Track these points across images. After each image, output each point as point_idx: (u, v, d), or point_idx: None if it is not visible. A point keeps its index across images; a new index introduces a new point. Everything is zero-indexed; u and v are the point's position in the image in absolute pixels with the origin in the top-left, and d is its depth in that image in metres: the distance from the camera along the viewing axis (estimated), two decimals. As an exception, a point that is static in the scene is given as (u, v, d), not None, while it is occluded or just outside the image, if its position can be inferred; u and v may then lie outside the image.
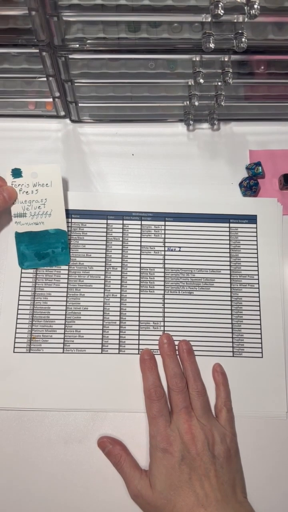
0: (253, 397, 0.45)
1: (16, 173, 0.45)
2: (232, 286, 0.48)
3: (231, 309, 0.47)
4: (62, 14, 0.38)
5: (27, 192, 0.45)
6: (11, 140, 0.52)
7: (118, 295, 0.47)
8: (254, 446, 0.44)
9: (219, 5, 0.34)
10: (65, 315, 0.47)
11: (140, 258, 0.48)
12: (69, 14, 0.38)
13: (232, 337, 0.46)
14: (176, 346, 0.46)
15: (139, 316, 0.47)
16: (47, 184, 0.45)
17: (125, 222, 0.49)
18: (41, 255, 0.45)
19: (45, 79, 0.46)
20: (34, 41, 0.40)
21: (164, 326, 0.47)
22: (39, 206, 0.45)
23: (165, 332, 0.46)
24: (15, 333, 0.46)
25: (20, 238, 0.45)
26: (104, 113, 0.53)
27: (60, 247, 0.46)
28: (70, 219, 0.49)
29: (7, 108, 0.52)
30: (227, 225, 0.50)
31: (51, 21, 0.38)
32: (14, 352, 0.45)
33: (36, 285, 0.47)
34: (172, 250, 0.49)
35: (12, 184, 0.45)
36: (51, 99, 0.49)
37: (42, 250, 0.45)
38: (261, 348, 0.46)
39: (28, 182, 0.45)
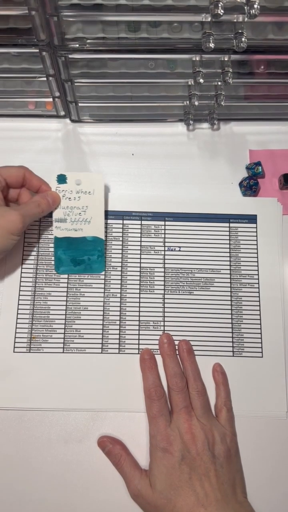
0: (253, 397, 0.45)
1: (61, 179, 0.45)
2: (232, 286, 0.48)
3: (231, 309, 0.47)
4: (62, 14, 0.38)
5: (69, 198, 0.46)
6: (11, 140, 0.52)
7: (118, 295, 0.47)
8: (254, 446, 0.44)
9: (219, 5, 0.34)
10: (65, 315, 0.47)
11: (140, 258, 0.48)
12: (69, 14, 0.38)
13: (232, 337, 0.46)
14: (176, 346, 0.46)
15: (139, 316, 0.47)
16: (89, 192, 0.46)
17: (125, 222, 0.49)
18: (77, 262, 0.45)
19: (45, 79, 0.46)
20: (34, 41, 0.40)
21: (164, 326, 0.47)
22: (80, 213, 0.46)
23: (165, 331, 0.46)
24: (15, 333, 0.46)
25: (59, 243, 0.46)
26: (104, 113, 0.53)
27: (96, 254, 0.46)
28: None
29: (7, 108, 0.52)
30: (227, 225, 0.50)
31: (51, 21, 0.38)
32: (14, 352, 0.45)
33: (36, 285, 0.47)
34: (172, 250, 0.49)
35: (56, 190, 0.46)
36: (51, 99, 0.49)
37: (79, 256, 0.46)
38: (261, 348, 0.46)
39: (72, 189, 0.46)
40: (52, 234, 0.47)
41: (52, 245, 0.48)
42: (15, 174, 0.44)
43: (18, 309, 0.46)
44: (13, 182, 0.44)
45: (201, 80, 0.44)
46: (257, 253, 0.49)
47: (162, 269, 0.48)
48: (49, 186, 0.46)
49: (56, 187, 0.46)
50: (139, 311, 0.47)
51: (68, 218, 0.46)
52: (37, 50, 0.41)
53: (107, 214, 0.49)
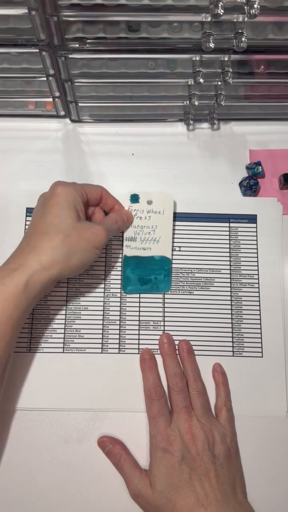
0: (253, 397, 0.45)
1: (134, 198, 0.47)
2: (232, 285, 0.48)
3: (231, 309, 0.47)
4: (62, 14, 0.38)
5: (140, 217, 0.47)
6: (11, 140, 0.52)
7: (118, 295, 0.47)
8: (254, 446, 0.44)
9: (219, 5, 0.34)
10: (65, 314, 0.47)
11: (140, 258, 0.48)
12: (69, 14, 0.38)
13: (232, 337, 0.46)
14: (176, 346, 0.46)
15: (139, 316, 0.47)
16: (159, 212, 0.47)
17: (125, 222, 0.49)
18: (144, 281, 0.46)
19: (45, 78, 0.46)
20: (34, 40, 0.40)
21: (164, 326, 0.47)
22: (149, 232, 0.47)
23: (165, 331, 0.46)
24: (15, 333, 0.46)
25: (128, 261, 0.47)
26: (104, 113, 0.53)
27: (163, 274, 0.46)
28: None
29: (7, 108, 0.52)
30: (227, 224, 0.49)
31: (51, 21, 0.38)
32: (14, 352, 0.45)
33: (36, 285, 0.47)
34: (172, 250, 0.48)
35: (129, 209, 0.47)
36: (51, 99, 0.49)
37: (146, 275, 0.46)
38: (261, 348, 0.46)
39: (143, 208, 0.47)
40: None
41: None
42: (94, 192, 0.44)
43: (18, 309, 0.46)
44: (92, 199, 0.44)
45: (201, 80, 0.44)
46: (257, 253, 0.49)
47: (162, 269, 0.48)
48: (122, 205, 0.47)
49: (129, 206, 0.47)
50: (139, 311, 0.47)
51: (138, 237, 0.47)
52: (37, 50, 0.41)
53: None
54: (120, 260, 0.48)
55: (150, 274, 0.46)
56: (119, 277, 0.48)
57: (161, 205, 0.47)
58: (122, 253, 0.48)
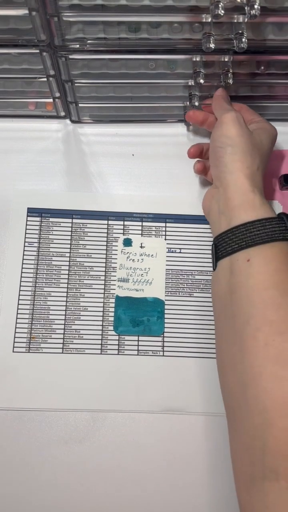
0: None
1: (127, 242, 0.48)
2: (232, 286, 0.48)
3: (231, 310, 0.47)
4: (62, 15, 0.38)
5: (133, 260, 0.48)
6: (11, 141, 0.52)
7: (118, 295, 0.47)
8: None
9: (220, 5, 0.34)
10: (65, 315, 0.47)
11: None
12: (69, 14, 0.38)
13: (232, 338, 0.46)
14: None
15: (139, 316, 0.47)
16: (152, 255, 0.48)
17: (125, 223, 0.49)
18: (136, 322, 0.46)
19: (45, 79, 0.46)
20: (34, 41, 0.40)
21: (164, 327, 0.46)
22: (142, 274, 0.47)
23: (165, 333, 0.46)
24: (15, 332, 0.46)
25: (119, 302, 0.47)
26: (104, 114, 0.53)
27: (156, 316, 0.46)
28: (71, 220, 0.49)
29: (7, 108, 0.52)
30: (227, 225, 0.49)
31: (51, 22, 0.38)
32: (13, 352, 0.45)
33: (36, 285, 0.47)
34: (172, 252, 0.49)
35: (122, 252, 0.48)
36: (51, 100, 0.49)
37: (138, 317, 0.46)
38: (261, 348, 0.46)
39: (136, 251, 0.48)
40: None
41: (53, 245, 0.48)
42: None
43: (18, 308, 0.46)
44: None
45: (202, 81, 0.44)
46: (257, 253, 0.49)
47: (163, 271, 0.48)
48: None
49: (122, 249, 0.48)
50: (139, 312, 0.47)
51: (130, 278, 0.47)
52: (38, 51, 0.41)
53: (108, 215, 0.49)
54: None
55: (142, 316, 0.46)
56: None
57: (154, 249, 0.48)
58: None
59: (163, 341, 0.46)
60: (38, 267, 0.48)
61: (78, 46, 0.41)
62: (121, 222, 0.49)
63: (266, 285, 0.35)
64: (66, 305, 0.47)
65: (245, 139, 0.40)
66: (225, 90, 0.46)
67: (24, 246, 0.48)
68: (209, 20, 0.38)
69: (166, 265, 0.48)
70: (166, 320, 0.47)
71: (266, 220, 0.37)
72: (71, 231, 0.49)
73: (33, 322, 0.46)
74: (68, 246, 0.48)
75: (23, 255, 0.48)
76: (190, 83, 0.47)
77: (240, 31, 0.38)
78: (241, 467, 0.33)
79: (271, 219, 0.38)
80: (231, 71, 0.44)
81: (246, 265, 0.37)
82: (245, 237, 0.37)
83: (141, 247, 0.48)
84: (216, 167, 0.42)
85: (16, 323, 0.46)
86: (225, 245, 0.39)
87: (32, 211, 0.49)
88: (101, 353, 0.46)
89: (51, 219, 0.49)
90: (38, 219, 0.49)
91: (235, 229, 0.38)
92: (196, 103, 0.47)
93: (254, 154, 0.40)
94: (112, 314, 0.47)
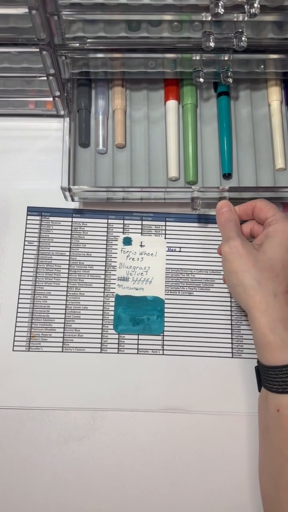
0: (252, 397, 0.45)
1: (127, 241, 0.48)
2: (232, 285, 0.48)
3: (231, 310, 0.47)
4: (62, 13, 0.38)
5: (133, 259, 0.48)
6: (11, 140, 0.52)
7: (118, 294, 0.47)
8: (255, 446, 0.44)
9: (219, 4, 0.34)
10: (65, 314, 0.47)
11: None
12: (69, 13, 0.38)
13: (232, 338, 0.46)
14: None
15: (139, 315, 0.47)
16: (152, 254, 0.48)
17: (125, 221, 0.49)
18: (136, 321, 0.46)
19: (45, 78, 0.46)
20: (34, 40, 0.40)
21: (163, 326, 0.46)
22: (142, 273, 0.47)
23: (164, 332, 0.46)
24: (15, 331, 0.46)
25: (119, 300, 0.47)
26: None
27: (156, 314, 0.46)
28: (71, 218, 0.49)
29: (7, 107, 0.52)
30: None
31: (51, 20, 0.38)
32: (13, 350, 0.45)
33: (36, 284, 0.47)
34: (172, 251, 0.49)
35: (121, 251, 0.48)
36: (51, 98, 0.49)
37: (138, 315, 0.46)
38: (261, 347, 0.46)
39: (136, 250, 0.48)
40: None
41: (53, 244, 0.48)
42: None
43: (18, 307, 0.46)
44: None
45: (201, 80, 0.44)
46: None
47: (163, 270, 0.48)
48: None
49: (121, 248, 0.48)
50: (139, 311, 0.47)
51: (130, 277, 0.47)
52: (38, 49, 0.41)
53: (108, 214, 0.49)
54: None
55: (142, 315, 0.46)
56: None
57: (154, 248, 0.48)
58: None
59: (163, 340, 0.46)
60: (38, 266, 0.48)
61: (78, 44, 0.41)
62: (121, 221, 0.49)
63: None
64: (66, 304, 0.47)
65: (250, 272, 0.38)
66: (228, 203, 0.41)
67: (24, 245, 0.48)
68: (209, 18, 0.38)
69: (166, 264, 0.48)
70: (166, 319, 0.47)
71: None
72: (71, 230, 0.49)
73: (33, 320, 0.46)
74: (68, 245, 0.48)
75: (23, 254, 0.48)
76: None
77: (240, 30, 0.38)
78: None
79: None
80: (231, 70, 0.44)
81: (276, 415, 0.35)
82: (274, 382, 0.36)
83: (141, 246, 0.48)
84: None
85: (16, 321, 0.46)
86: (262, 375, 0.38)
87: (32, 210, 0.49)
88: (101, 352, 0.46)
89: (51, 218, 0.49)
90: (38, 218, 0.49)
91: (263, 367, 0.37)
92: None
93: (264, 281, 0.37)
94: (112, 312, 0.47)
